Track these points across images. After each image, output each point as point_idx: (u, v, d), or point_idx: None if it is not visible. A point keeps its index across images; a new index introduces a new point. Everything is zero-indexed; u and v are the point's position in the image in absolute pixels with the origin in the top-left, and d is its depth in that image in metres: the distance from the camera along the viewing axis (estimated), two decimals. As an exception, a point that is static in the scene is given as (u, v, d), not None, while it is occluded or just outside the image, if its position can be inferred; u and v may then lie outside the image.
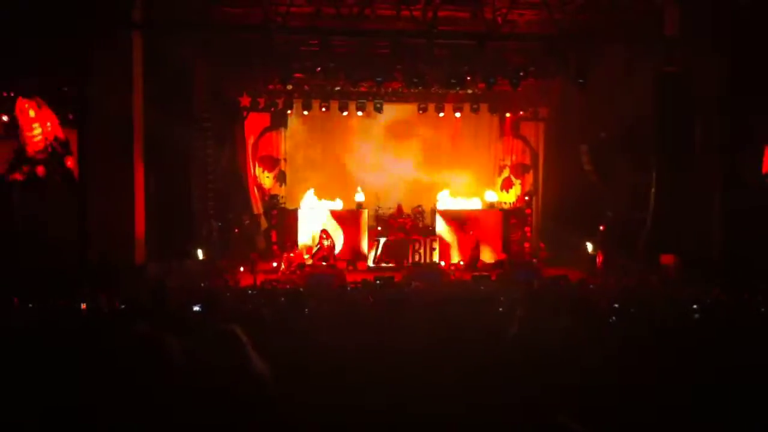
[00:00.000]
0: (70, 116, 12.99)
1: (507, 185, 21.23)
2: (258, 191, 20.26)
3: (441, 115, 19.91)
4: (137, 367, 3.31)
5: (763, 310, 7.76)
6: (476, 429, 4.00)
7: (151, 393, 3.25)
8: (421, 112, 19.69)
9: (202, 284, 12.85)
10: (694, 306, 7.99)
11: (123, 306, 8.59)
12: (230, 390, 3.37)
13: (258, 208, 20.00)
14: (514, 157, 21.37)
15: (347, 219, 18.64)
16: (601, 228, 16.85)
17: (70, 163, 12.94)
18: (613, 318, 7.13)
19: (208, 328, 3.98)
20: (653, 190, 14.86)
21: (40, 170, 12.73)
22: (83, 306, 8.46)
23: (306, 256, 17.80)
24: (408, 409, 4.02)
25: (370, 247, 18.32)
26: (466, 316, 6.33)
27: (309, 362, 4.46)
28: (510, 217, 19.59)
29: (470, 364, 4.61)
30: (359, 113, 19.36)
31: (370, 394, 4.16)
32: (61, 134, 12.89)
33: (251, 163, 20.22)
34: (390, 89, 18.76)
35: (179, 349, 3.43)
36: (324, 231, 17.97)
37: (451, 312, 6.40)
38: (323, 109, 19.25)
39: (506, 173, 21.39)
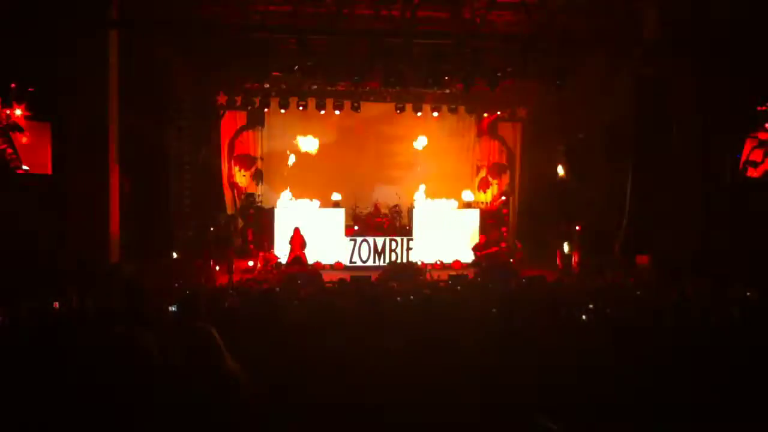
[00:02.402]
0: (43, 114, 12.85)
1: (484, 185, 21.30)
2: (234, 190, 20.13)
3: (419, 114, 19.93)
4: (113, 367, 3.27)
5: (736, 310, 7.83)
6: (458, 428, 4.00)
7: (127, 393, 3.21)
8: (398, 111, 19.66)
9: (178, 284, 12.73)
10: (668, 306, 8.05)
11: (97, 306, 8.48)
12: (205, 392, 3.34)
13: (231, 207, 19.87)
14: (491, 158, 21.44)
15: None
16: (577, 228, 16.93)
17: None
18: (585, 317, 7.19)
19: (182, 328, 3.94)
20: (629, 190, 14.96)
21: None
22: (56, 305, 8.35)
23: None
24: (390, 410, 4.01)
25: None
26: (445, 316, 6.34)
27: (286, 363, 4.43)
28: (487, 217, 19.62)
29: (450, 362, 4.60)
30: (336, 112, 19.32)
31: (349, 394, 4.14)
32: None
33: (227, 162, 20.09)
34: (368, 88, 18.73)
35: (156, 349, 3.39)
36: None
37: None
38: (300, 108, 19.16)
39: (483, 173, 21.45)
